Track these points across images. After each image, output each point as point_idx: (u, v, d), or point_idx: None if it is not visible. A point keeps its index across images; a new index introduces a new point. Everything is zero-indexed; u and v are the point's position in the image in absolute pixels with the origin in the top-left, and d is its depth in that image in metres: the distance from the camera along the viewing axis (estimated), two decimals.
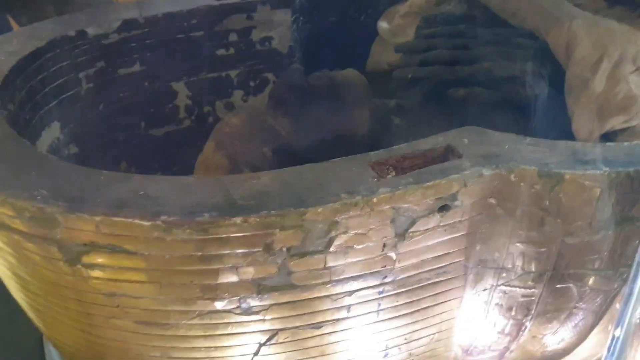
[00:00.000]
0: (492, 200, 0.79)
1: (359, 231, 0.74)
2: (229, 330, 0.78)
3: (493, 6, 1.20)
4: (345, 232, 0.73)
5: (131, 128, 1.33)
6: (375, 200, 0.72)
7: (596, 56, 1.03)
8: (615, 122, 1.01)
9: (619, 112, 1.00)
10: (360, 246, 0.75)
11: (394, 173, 0.80)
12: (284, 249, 0.72)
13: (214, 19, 1.31)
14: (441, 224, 0.78)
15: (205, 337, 0.78)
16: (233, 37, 1.34)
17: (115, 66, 1.25)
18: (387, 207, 0.74)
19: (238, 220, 0.68)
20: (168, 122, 1.38)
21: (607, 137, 1.03)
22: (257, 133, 1.07)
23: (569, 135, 1.06)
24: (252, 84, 1.40)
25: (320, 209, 0.71)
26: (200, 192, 0.73)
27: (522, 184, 0.78)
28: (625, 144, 0.84)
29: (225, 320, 0.77)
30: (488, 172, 0.77)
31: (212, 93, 1.39)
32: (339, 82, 1.13)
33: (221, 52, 1.35)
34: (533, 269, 0.84)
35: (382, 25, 1.48)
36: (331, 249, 0.74)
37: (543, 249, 0.82)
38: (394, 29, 1.38)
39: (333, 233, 0.73)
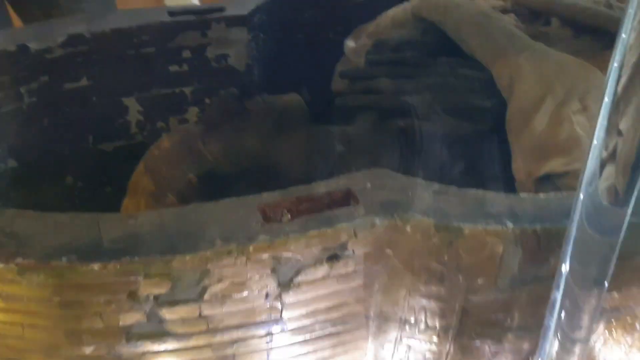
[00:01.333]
0: (389, 251, 0.74)
1: (236, 280, 0.70)
2: None
3: (449, 33, 1.14)
4: (220, 281, 0.69)
5: (78, 142, 1.30)
6: (251, 249, 0.68)
7: (540, 93, 0.97)
8: (555, 165, 0.94)
9: (560, 154, 0.94)
10: (239, 295, 0.71)
11: (289, 216, 0.76)
12: (151, 297, 0.68)
13: (166, 35, 1.27)
14: (332, 274, 0.74)
15: None
16: (187, 53, 1.31)
17: (61, 81, 1.22)
18: (266, 255, 0.69)
19: (96, 266, 0.65)
20: (119, 137, 1.35)
21: (548, 180, 0.97)
22: (184, 158, 1.03)
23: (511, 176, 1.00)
24: (207, 101, 1.37)
25: (188, 257, 0.66)
26: (71, 231, 0.69)
27: (418, 236, 0.72)
28: (541, 196, 0.78)
29: None
30: (382, 222, 0.72)
31: (165, 109, 1.36)
32: (277, 108, 1.09)
33: (174, 68, 1.32)
34: (437, 324, 0.79)
35: (349, 44, 1.43)
36: (206, 298, 0.70)
37: (445, 305, 0.77)
38: (359, 48, 1.33)
39: (206, 282, 0.69)
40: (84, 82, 1.25)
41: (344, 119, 1.14)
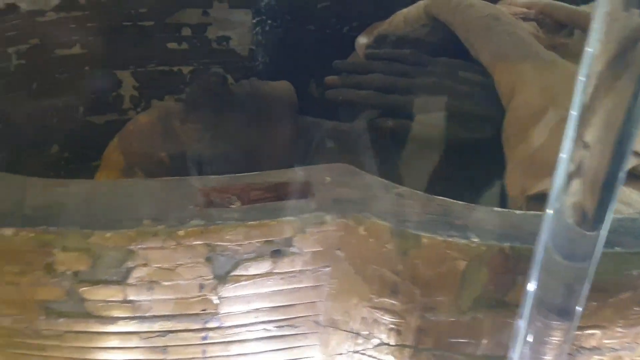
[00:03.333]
0: (340, 253, 0.67)
1: (164, 265, 0.64)
2: (24, 350, 0.69)
3: (458, 34, 1.07)
4: (145, 265, 0.63)
5: (67, 112, 1.27)
6: (181, 232, 0.62)
7: (542, 103, 0.88)
8: (550, 184, 0.86)
9: None
10: (168, 283, 0.65)
11: (239, 203, 0.69)
12: (69, 273, 0.62)
13: (166, 10, 1.23)
14: (276, 271, 0.67)
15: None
16: (187, 31, 1.26)
17: (52, 46, 1.19)
18: (199, 242, 0.63)
19: (8, 231, 0.59)
20: (111, 110, 1.31)
21: (544, 199, 0.89)
22: (158, 135, 0.97)
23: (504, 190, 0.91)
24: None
25: (109, 234, 0.61)
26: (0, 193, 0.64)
27: (372, 239, 0.65)
28: (518, 212, 0.70)
29: (17, 339, 0.68)
30: (333, 219, 0.65)
31: (161, 87, 1.31)
32: (264, 93, 1.03)
33: (173, 45, 1.27)
34: (391, 341, 0.71)
35: (360, 40, 1.36)
36: (130, 281, 0.64)
37: (400, 320, 0.69)
38: (369, 45, 1.26)
39: (130, 263, 0.63)
40: (76, 49, 1.21)
41: (345, 114, 1.08)
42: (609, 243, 0.59)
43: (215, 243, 0.63)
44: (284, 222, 0.64)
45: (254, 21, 1.28)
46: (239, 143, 1.00)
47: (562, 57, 1.04)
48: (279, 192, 0.70)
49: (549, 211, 0.54)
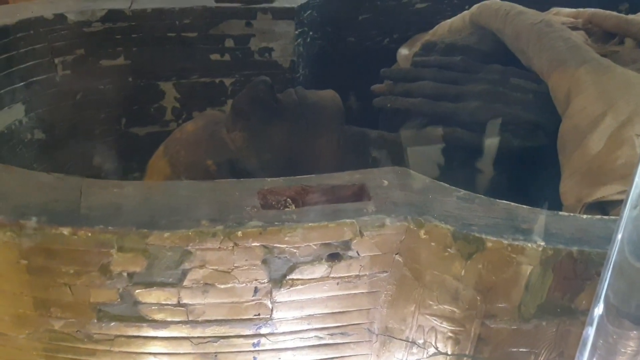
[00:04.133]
0: (399, 258, 0.65)
1: (220, 268, 0.62)
2: (72, 355, 0.68)
3: (507, 42, 1.05)
4: (202, 266, 0.62)
5: (110, 123, 1.27)
6: (239, 233, 0.60)
7: (600, 109, 0.86)
8: (609, 192, 0.83)
9: (615, 180, 0.83)
10: (223, 286, 0.63)
11: (293, 206, 0.68)
12: (125, 274, 0.61)
13: (209, 21, 1.23)
14: (332, 276, 0.65)
15: (46, 358, 0.69)
16: (230, 42, 1.26)
17: (97, 56, 1.19)
18: (257, 244, 0.61)
19: (66, 231, 0.59)
20: (152, 122, 1.31)
21: (600, 207, 0.86)
22: (205, 143, 0.97)
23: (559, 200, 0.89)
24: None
25: (167, 234, 0.59)
26: (51, 193, 0.64)
27: (433, 243, 0.63)
28: (584, 216, 0.68)
29: (67, 344, 0.67)
30: (392, 222, 0.63)
31: (203, 98, 1.31)
32: (310, 102, 1.01)
33: (215, 56, 1.27)
34: (448, 350, 0.69)
35: (402, 51, 1.36)
36: (185, 284, 0.63)
37: (459, 328, 0.67)
38: (411, 55, 1.24)
39: (186, 265, 0.61)
40: (120, 60, 1.22)
41: (386, 123, 1.06)
42: None
43: (273, 245, 0.62)
44: (343, 224, 0.62)
45: (297, 32, 1.27)
46: (286, 152, 0.98)
47: None
48: (335, 195, 0.68)
49: (627, 212, 0.52)
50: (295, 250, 0.62)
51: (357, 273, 0.65)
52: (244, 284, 0.64)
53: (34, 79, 1.13)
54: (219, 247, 0.61)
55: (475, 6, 1.19)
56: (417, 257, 0.64)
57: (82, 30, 1.15)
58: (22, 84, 1.11)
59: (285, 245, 0.62)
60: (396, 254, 0.65)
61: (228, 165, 0.96)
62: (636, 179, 0.50)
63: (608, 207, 0.86)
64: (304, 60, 1.34)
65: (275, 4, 1.25)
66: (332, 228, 0.62)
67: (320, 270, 0.64)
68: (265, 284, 0.64)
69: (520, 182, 0.94)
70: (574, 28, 1.22)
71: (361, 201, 0.67)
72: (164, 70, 1.26)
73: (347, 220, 0.62)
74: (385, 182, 0.69)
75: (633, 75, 0.93)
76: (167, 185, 0.67)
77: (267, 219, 0.62)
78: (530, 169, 0.95)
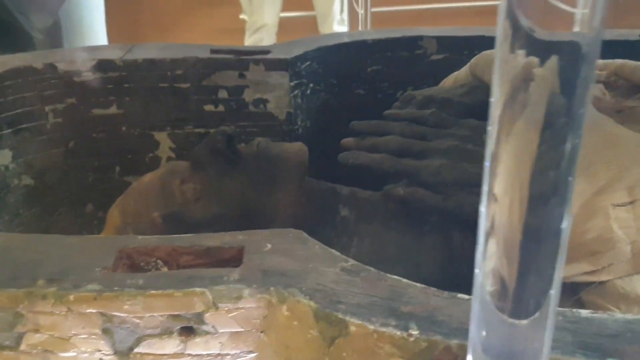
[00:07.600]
0: (264, 337, 0.56)
1: (57, 334, 0.56)
2: None
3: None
4: (36, 331, 0.56)
5: (103, 171, 1.26)
6: (72, 297, 0.54)
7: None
8: (575, 271, 0.69)
9: (583, 258, 0.69)
10: (65, 354, 0.57)
11: (165, 269, 0.61)
12: None
13: (202, 72, 1.21)
14: (188, 352, 0.57)
15: None
16: (223, 93, 1.23)
17: (89, 105, 1.20)
18: (92, 310, 0.55)
19: None
20: (147, 170, 1.27)
21: (570, 288, 0.72)
22: (154, 195, 0.92)
23: None
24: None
25: None
26: None
27: (295, 322, 0.54)
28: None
29: None
30: (252, 294, 0.54)
31: None
32: (271, 155, 0.95)
33: (209, 107, 1.24)
34: None
35: None
36: (23, 348, 0.57)
37: None
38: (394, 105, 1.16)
39: (19, 328, 0.56)
40: (113, 109, 1.21)
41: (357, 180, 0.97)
42: (598, 350, 0.44)
43: (112, 313, 0.55)
44: (192, 293, 0.54)
45: (292, 84, 1.22)
46: (241, 204, 0.92)
47: (627, 121, 0.89)
48: (213, 258, 0.61)
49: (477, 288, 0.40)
50: (138, 321, 0.55)
51: (219, 352, 0.57)
52: (87, 354, 0.57)
53: (23, 125, 1.15)
54: (51, 312, 0.54)
55: (476, 56, 1.09)
56: (283, 338, 0.55)
57: (72, 80, 1.16)
58: (9, 130, 1.13)
59: (125, 314, 0.55)
60: (262, 332, 0.56)
61: (173, 218, 0.91)
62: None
63: (578, 288, 0.72)
64: (303, 112, 1.28)
65: (269, 56, 1.21)
66: (179, 298, 0.54)
67: (172, 345, 0.56)
68: (111, 356, 0.57)
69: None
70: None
71: (237, 267, 0.59)
72: (158, 120, 1.24)
73: (197, 290, 0.54)
74: (268, 246, 0.60)
75: (625, 134, 0.79)
76: (28, 238, 0.63)
77: (109, 284, 0.55)
78: None
